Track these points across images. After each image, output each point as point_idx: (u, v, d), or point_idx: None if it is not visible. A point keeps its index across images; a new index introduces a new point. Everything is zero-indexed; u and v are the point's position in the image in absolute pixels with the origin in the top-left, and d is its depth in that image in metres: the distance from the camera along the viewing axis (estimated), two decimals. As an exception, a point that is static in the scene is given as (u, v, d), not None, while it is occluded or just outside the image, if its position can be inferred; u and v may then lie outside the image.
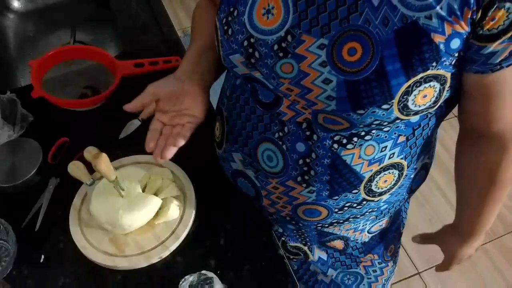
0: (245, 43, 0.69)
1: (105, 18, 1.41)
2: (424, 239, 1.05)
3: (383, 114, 0.63)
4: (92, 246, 0.86)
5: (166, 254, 0.86)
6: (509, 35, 0.58)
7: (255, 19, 0.67)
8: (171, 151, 0.81)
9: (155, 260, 0.85)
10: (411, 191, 0.87)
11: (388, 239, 1.02)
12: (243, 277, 0.85)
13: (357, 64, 0.60)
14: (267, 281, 0.85)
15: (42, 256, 0.87)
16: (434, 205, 2.03)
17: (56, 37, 1.40)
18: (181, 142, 0.82)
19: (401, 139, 0.72)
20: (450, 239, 0.96)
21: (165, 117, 0.84)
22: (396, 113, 0.63)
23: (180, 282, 0.78)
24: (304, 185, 0.78)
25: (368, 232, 0.95)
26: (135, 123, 1.06)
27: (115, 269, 0.85)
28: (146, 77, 0.95)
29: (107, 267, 0.85)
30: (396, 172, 0.77)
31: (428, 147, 0.81)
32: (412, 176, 0.82)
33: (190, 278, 0.77)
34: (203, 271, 0.78)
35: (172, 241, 0.87)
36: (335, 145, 0.71)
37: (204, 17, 0.91)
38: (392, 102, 0.62)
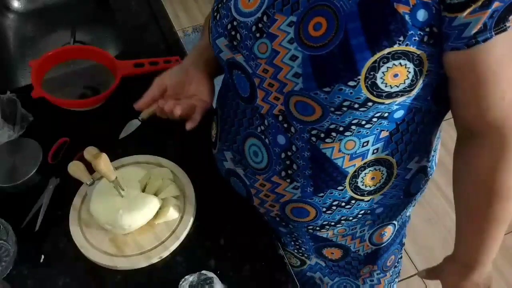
0: (229, 26, 0.71)
1: (105, 18, 1.41)
2: (429, 273, 0.91)
3: (351, 93, 0.62)
4: (92, 246, 0.86)
5: (166, 254, 0.86)
6: (479, 3, 0.55)
7: (239, 3, 0.69)
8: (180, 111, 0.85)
9: (155, 260, 0.85)
10: (410, 194, 0.85)
11: (390, 252, 1.01)
12: (243, 277, 0.85)
13: (321, 39, 0.60)
14: (267, 281, 0.85)
15: (42, 256, 0.87)
16: (434, 205, 2.03)
17: (56, 37, 1.39)
18: (193, 123, 0.85)
19: (384, 134, 0.71)
20: (450, 271, 0.84)
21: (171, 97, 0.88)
22: (364, 91, 0.61)
23: (180, 282, 0.78)
24: (288, 180, 0.78)
25: (370, 243, 0.93)
26: (135, 123, 1.06)
27: (115, 269, 0.85)
28: (146, 77, 0.95)
29: (107, 267, 0.85)
30: (384, 169, 0.76)
31: (422, 148, 0.78)
32: (407, 177, 0.80)
33: (190, 278, 0.77)
34: (203, 271, 0.78)
35: (172, 241, 0.87)
36: (313, 138, 0.71)
37: None
38: (359, 79, 0.60)
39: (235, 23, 0.70)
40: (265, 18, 0.66)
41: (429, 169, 0.85)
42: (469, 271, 0.80)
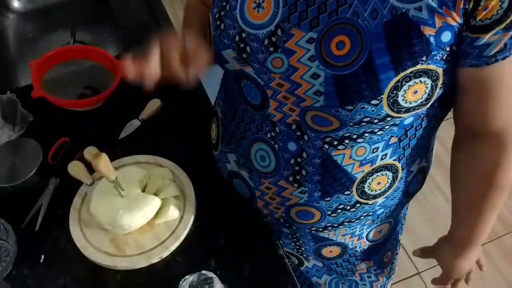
0: (237, 38, 0.68)
1: (105, 18, 1.41)
2: (423, 252, 0.98)
3: (373, 110, 0.62)
4: (92, 246, 0.86)
5: (166, 254, 0.86)
6: (503, 25, 0.56)
7: (246, 13, 0.67)
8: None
9: (155, 260, 0.85)
10: (408, 194, 0.86)
11: (386, 247, 1.01)
12: (243, 277, 0.85)
13: (345, 58, 0.59)
14: (267, 281, 0.85)
15: (42, 256, 0.87)
16: (434, 205, 2.03)
17: (56, 37, 1.39)
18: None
19: (393, 140, 0.71)
20: (445, 251, 0.90)
21: None
22: (386, 109, 0.62)
23: (180, 282, 0.78)
24: (296, 185, 0.77)
25: (367, 240, 0.94)
26: (135, 123, 1.06)
27: (115, 269, 0.85)
28: (146, 77, 0.95)
29: (107, 267, 0.85)
30: (390, 174, 0.76)
31: (424, 150, 0.79)
32: (408, 179, 0.81)
33: (190, 278, 0.77)
34: (203, 271, 0.79)
35: (172, 241, 0.87)
36: (326, 146, 0.70)
37: (195, 12, 0.88)
38: (381, 98, 0.60)
39: (243, 35, 0.67)
40: (279, 32, 0.63)
41: (427, 168, 0.86)
42: (463, 250, 0.86)
